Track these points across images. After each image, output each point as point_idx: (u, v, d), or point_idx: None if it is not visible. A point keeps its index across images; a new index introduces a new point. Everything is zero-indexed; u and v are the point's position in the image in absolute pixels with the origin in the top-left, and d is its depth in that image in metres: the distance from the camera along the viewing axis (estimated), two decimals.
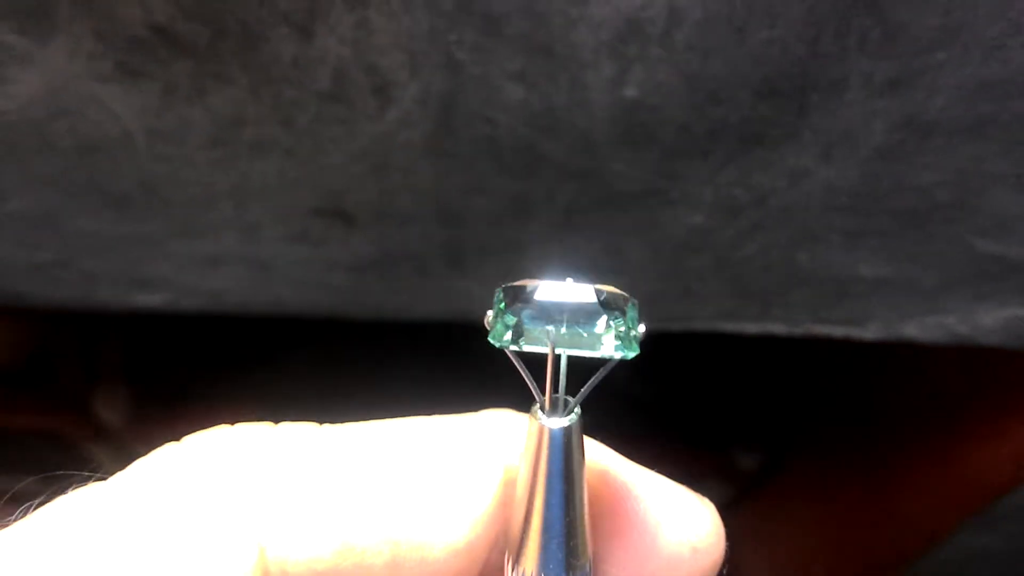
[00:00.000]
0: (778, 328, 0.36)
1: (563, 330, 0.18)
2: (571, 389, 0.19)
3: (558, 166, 0.31)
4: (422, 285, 0.34)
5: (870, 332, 0.36)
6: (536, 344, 0.18)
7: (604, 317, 0.18)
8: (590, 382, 0.18)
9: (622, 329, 0.18)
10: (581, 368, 0.19)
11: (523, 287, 0.18)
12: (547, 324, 0.18)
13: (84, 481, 0.18)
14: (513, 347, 0.18)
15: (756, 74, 0.29)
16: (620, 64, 0.28)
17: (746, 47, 0.28)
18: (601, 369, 0.18)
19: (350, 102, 0.29)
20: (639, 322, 0.18)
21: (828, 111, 0.29)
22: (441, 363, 0.37)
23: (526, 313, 0.18)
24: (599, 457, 0.21)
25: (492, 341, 0.18)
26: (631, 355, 0.18)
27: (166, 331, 0.51)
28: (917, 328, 0.35)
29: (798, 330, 0.36)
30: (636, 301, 0.19)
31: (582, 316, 0.18)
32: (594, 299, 0.18)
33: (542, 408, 0.19)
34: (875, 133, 0.30)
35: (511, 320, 0.18)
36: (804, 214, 0.32)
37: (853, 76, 0.29)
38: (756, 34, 0.28)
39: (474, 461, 0.20)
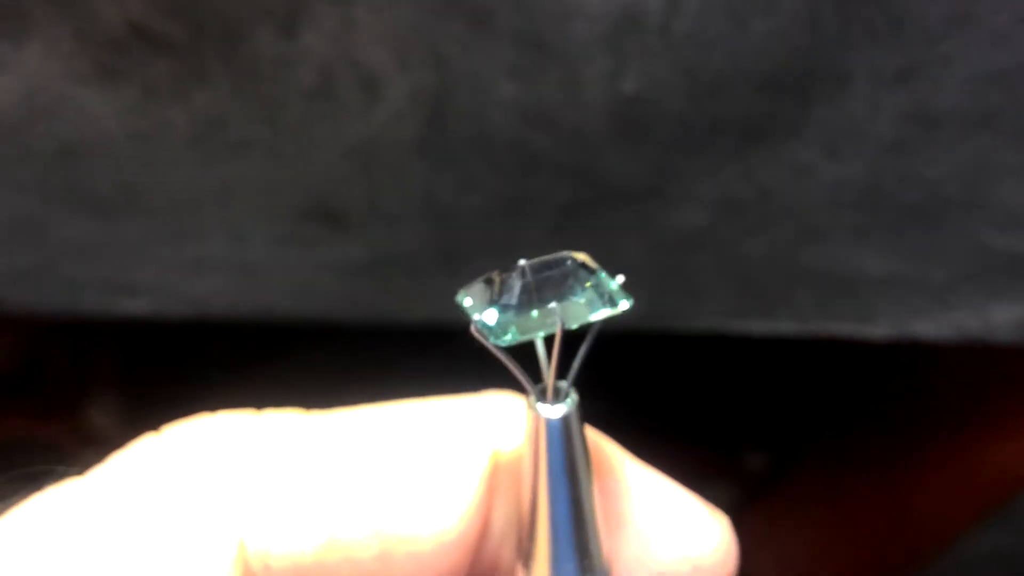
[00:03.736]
0: (784, 327, 0.35)
1: (562, 305, 0.17)
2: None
3: (553, 164, 0.30)
4: (415, 287, 0.33)
5: (879, 330, 0.35)
6: (536, 331, 0.17)
7: (583, 279, 0.17)
8: (577, 360, 0.17)
9: (607, 283, 0.17)
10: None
11: (490, 282, 0.17)
12: (539, 306, 0.17)
13: (60, 477, 0.18)
14: (511, 342, 0.17)
15: (758, 67, 0.28)
16: (616, 58, 0.27)
17: (747, 39, 0.27)
18: (586, 340, 0.17)
19: (336, 100, 0.28)
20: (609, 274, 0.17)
21: (833, 104, 0.29)
22: (436, 367, 0.36)
23: (515, 302, 0.17)
24: (593, 451, 0.19)
25: (496, 343, 0.17)
26: (630, 303, 0.17)
27: (158, 336, 0.51)
28: (927, 325, 0.34)
29: (805, 329, 0.35)
30: (583, 255, 0.17)
31: (565, 287, 0.17)
32: (568, 265, 0.17)
33: (538, 397, 0.17)
34: (881, 126, 0.29)
35: (504, 315, 0.17)
36: (809, 211, 0.31)
37: (858, 68, 0.28)
38: (757, 25, 0.27)
39: (465, 449, 0.19)
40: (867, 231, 0.32)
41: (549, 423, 0.17)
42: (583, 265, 0.17)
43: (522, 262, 0.17)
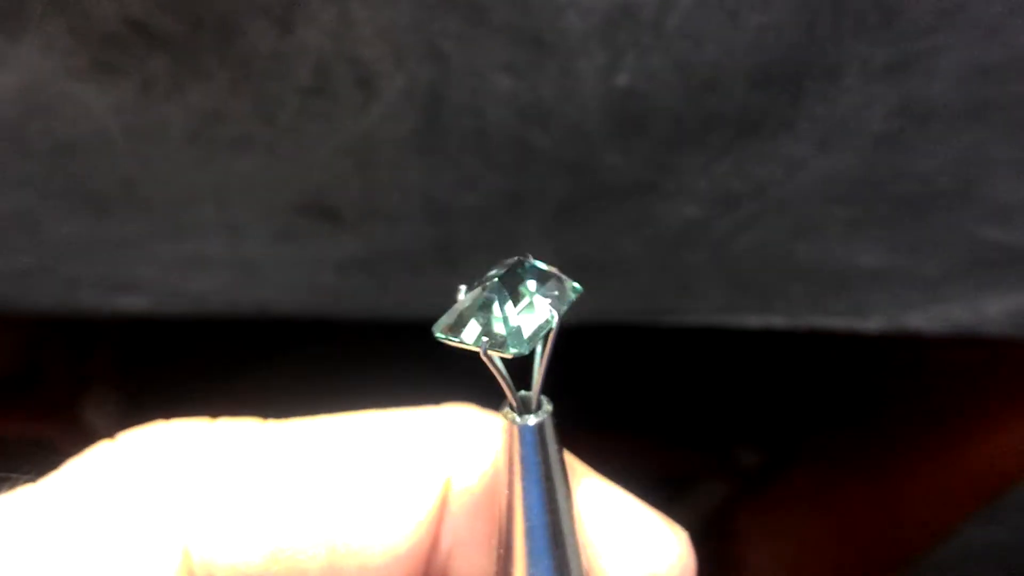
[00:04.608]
0: (778, 321, 0.35)
1: (548, 302, 0.17)
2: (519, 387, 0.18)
3: (549, 159, 0.30)
4: (413, 284, 0.34)
5: (872, 323, 0.35)
6: (540, 334, 0.17)
7: (536, 276, 0.17)
8: (541, 366, 0.17)
9: (555, 273, 0.17)
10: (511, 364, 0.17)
11: (462, 308, 0.17)
12: (525, 311, 0.17)
13: (13, 484, 0.18)
14: (527, 351, 0.17)
15: (750, 61, 0.28)
16: (611, 52, 0.28)
17: (740, 33, 0.27)
18: (547, 346, 0.17)
19: (333, 96, 0.28)
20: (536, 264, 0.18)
21: (825, 98, 0.29)
22: (433, 362, 0.36)
23: (510, 314, 0.17)
24: None
25: (516, 354, 0.17)
26: (579, 285, 0.17)
27: (156, 335, 0.51)
28: (920, 318, 0.34)
29: (799, 323, 0.35)
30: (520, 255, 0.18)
31: (528, 288, 0.17)
32: (526, 267, 0.17)
33: (518, 408, 0.17)
34: (873, 120, 0.29)
35: (510, 330, 0.17)
36: (802, 205, 0.31)
37: (850, 61, 0.28)
38: (749, 19, 0.27)
39: (419, 461, 0.19)
40: (859, 224, 0.32)
41: (528, 433, 0.17)
42: (530, 264, 0.18)
43: (462, 289, 0.17)
